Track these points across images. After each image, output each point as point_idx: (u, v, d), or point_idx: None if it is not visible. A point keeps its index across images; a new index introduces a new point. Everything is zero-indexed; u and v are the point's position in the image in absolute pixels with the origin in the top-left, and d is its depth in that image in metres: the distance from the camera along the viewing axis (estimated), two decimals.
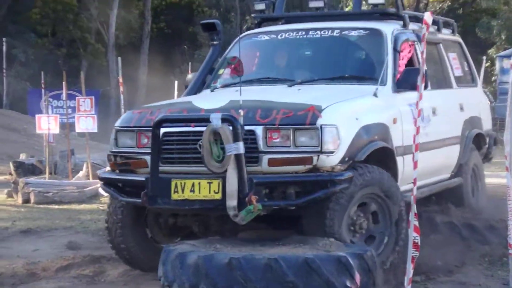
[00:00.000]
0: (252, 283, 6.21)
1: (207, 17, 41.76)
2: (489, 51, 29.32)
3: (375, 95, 7.46)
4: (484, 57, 21.41)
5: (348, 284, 6.33)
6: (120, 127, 7.55)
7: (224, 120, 6.42)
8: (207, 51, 9.50)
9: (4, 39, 31.16)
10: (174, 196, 6.74)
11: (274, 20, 9.56)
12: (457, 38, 10.49)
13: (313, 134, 6.49)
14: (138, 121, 7.38)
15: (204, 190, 6.60)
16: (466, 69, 10.48)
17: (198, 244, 6.88)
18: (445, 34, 9.95)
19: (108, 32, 41.95)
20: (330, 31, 8.54)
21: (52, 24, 38.66)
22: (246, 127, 6.53)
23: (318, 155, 6.47)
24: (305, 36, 8.70)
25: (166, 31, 45.94)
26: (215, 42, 8.99)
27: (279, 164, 6.55)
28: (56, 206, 14.72)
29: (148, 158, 6.97)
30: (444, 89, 9.30)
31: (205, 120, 6.61)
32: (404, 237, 7.10)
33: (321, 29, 8.64)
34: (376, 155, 7.21)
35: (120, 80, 16.65)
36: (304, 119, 6.54)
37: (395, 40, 8.20)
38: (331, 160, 6.53)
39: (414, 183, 6.38)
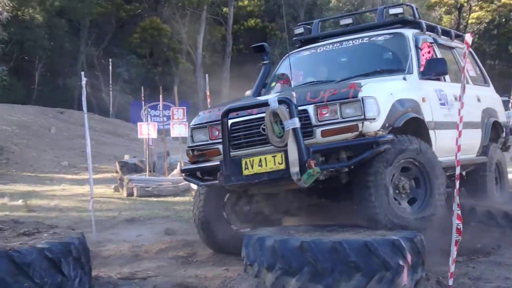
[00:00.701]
0: (320, 263, 6.21)
1: (278, 39, 41.78)
2: None
3: (404, 79, 7.64)
4: None
5: (401, 263, 6.31)
6: (194, 125, 7.73)
7: (280, 102, 6.60)
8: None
9: (110, 60, 31.60)
10: (245, 172, 6.87)
11: (312, 41, 9.50)
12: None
13: (356, 106, 6.60)
14: (208, 118, 7.57)
15: (270, 163, 6.72)
16: (478, 72, 10.46)
17: (274, 230, 6.97)
18: (457, 43, 9.91)
19: (196, 53, 42.31)
20: (360, 39, 8.69)
21: (150, 47, 39.06)
22: (300, 107, 6.66)
23: (363, 122, 6.57)
24: (339, 46, 8.84)
25: (244, 51, 46.07)
26: (265, 62, 9.07)
27: (331, 134, 6.64)
28: (155, 199, 14.98)
29: (220, 147, 7.12)
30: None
31: (264, 105, 6.81)
32: (440, 206, 7.30)
33: (352, 39, 8.78)
34: (412, 126, 7.31)
35: (207, 93, 16.78)
36: (347, 94, 6.66)
37: (416, 39, 8.28)
38: (374, 126, 6.63)
39: (457, 178, 6.32)
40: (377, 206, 6.78)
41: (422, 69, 8.00)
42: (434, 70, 7.89)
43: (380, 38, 8.56)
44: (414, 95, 7.49)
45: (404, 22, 8.81)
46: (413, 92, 7.53)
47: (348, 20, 9.32)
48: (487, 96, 9.97)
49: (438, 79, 8.34)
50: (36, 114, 25.45)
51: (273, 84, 8.98)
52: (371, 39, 8.62)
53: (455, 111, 7.63)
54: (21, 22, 31.67)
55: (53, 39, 34.85)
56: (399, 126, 6.97)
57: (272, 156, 6.71)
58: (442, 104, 8.13)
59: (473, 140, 9.02)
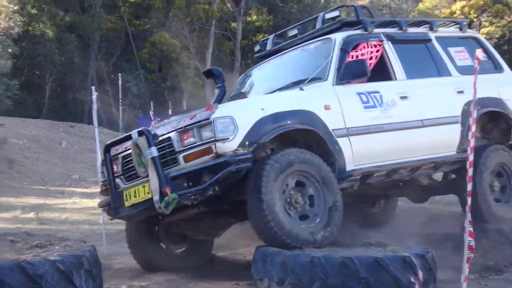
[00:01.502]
0: (330, 278, 6.23)
1: None
2: None
3: (300, 89, 7.44)
4: None
5: (412, 280, 6.31)
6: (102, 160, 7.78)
7: (140, 133, 6.61)
8: None
9: (119, 74, 31.68)
10: (126, 204, 6.94)
11: (265, 56, 9.47)
12: (470, 34, 9.83)
13: (210, 127, 6.44)
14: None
15: (141, 193, 6.70)
16: (485, 59, 9.13)
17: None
18: (446, 32, 9.41)
19: (205, 68, 42.33)
20: (295, 50, 8.64)
21: (159, 62, 39.13)
22: (165, 135, 6.72)
23: (215, 144, 6.40)
24: (280, 59, 8.86)
25: (252, 66, 46.00)
26: (218, 85, 9.12)
27: (192, 158, 6.51)
28: None
29: (117, 180, 7.26)
30: (433, 78, 8.76)
31: (129, 138, 6.85)
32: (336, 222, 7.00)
33: (290, 51, 8.75)
34: (305, 137, 7.14)
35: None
36: (202, 117, 6.54)
37: (345, 43, 7.91)
38: (229, 146, 6.44)
39: (469, 194, 6.29)
40: (270, 221, 6.53)
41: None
42: (351, 73, 7.53)
43: (311, 46, 8.42)
44: (309, 105, 7.18)
45: (346, 24, 8.48)
46: (309, 102, 7.23)
47: (294, 31, 9.07)
48: (485, 85, 8.57)
49: (380, 79, 8.08)
50: (47, 128, 25.46)
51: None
52: (304, 48, 8.51)
53: (396, 111, 7.80)
54: (32, 37, 31.77)
55: (63, 54, 34.93)
56: (265, 142, 6.75)
57: (142, 186, 6.72)
58: (370, 106, 7.70)
59: (442, 137, 8.37)
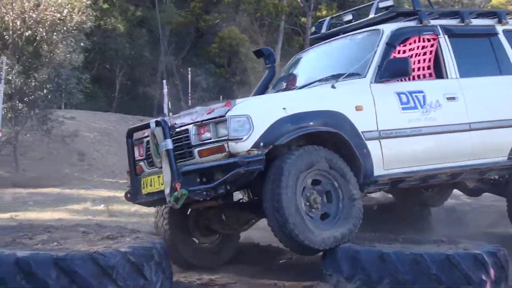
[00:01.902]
0: (401, 275, 6.18)
1: None
2: None
3: (332, 86, 6.86)
4: None
5: (484, 278, 6.24)
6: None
7: (157, 124, 6.35)
8: None
9: (189, 69, 31.92)
10: (143, 191, 6.77)
11: (320, 39, 8.87)
12: None
13: (225, 125, 6.12)
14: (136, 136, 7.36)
15: (156, 183, 6.51)
16: None
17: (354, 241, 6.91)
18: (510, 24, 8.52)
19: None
20: (343, 38, 8.17)
21: (228, 56, 39.39)
22: (183, 127, 6.44)
23: (227, 142, 6.07)
24: (329, 46, 8.35)
25: None
26: (268, 66, 8.74)
27: (206, 154, 6.21)
28: None
29: (141, 164, 7.14)
30: (492, 76, 8.02)
31: (148, 126, 6.61)
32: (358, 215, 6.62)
33: (340, 38, 8.26)
34: (333, 139, 6.60)
35: None
36: (219, 113, 6.20)
37: (393, 36, 7.34)
38: (242, 146, 6.06)
39: None
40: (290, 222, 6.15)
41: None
42: (390, 71, 7.02)
43: (359, 36, 7.91)
44: (338, 106, 6.71)
45: (401, 15, 7.94)
46: (338, 102, 6.77)
47: (349, 17, 8.57)
48: None
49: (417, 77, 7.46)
50: (117, 121, 25.94)
51: (276, 87, 8.59)
52: (352, 37, 8.03)
53: (440, 113, 7.27)
54: (104, 32, 32.35)
55: (134, 48, 35.50)
56: (282, 143, 6.28)
57: (158, 177, 6.50)
58: (410, 108, 7.14)
59: (493, 141, 7.77)
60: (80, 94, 22.40)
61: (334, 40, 8.26)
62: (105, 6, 26.67)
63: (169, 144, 6.13)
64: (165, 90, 9.75)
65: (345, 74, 7.03)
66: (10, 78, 18.98)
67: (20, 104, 20.01)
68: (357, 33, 7.95)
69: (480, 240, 7.40)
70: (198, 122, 6.31)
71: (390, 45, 7.22)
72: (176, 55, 40.25)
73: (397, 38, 7.34)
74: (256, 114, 6.19)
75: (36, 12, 20.72)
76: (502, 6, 34.78)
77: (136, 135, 7.14)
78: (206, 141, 6.24)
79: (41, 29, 20.82)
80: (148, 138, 6.76)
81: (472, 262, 6.25)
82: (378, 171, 6.83)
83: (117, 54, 34.30)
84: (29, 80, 20.04)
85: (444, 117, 7.28)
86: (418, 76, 7.44)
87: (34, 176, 18.69)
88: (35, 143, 21.73)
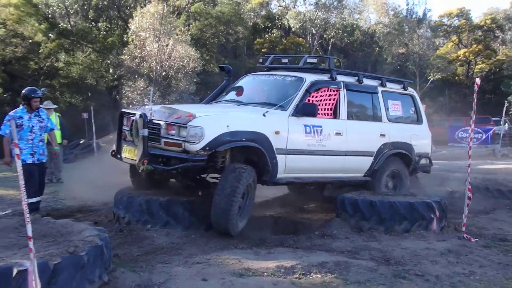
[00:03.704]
0: (382, 214, 6.24)
1: None
2: (508, 97, 26.90)
3: (263, 115, 6.09)
4: (506, 101, 20.00)
5: (432, 216, 6.25)
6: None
7: (140, 115, 5.80)
8: None
9: None
10: (123, 155, 6.19)
11: (264, 68, 7.85)
12: (409, 92, 8.11)
13: (185, 130, 5.60)
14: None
15: (131, 153, 5.99)
16: (412, 112, 8.08)
17: (356, 193, 6.90)
18: (392, 88, 7.81)
19: None
20: (279, 76, 7.14)
21: None
22: (158, 121, 5.85)
23: (184, 143, 5.58)
24: (268, 77, 7.31)
25: None
26: (226, 78, 7.77)
27: (169, 145, 5.71)
28: None
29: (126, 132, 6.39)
30: (367, 121, 7.36)
31: (133, 115, 6.05)
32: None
33: (276, 75, 7.23)
34: (252, 151, 6.00)
35: None
36: (183, 121, 5.66)
37: (311, 85, 6.64)
38: (194, 147, 5.54)
39: (469, 166, 6.10)
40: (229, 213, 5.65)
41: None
42: (304, 111, 6.34)
43: (289, 78, 6.98)
44: (264, 129, 6.03)
45: (321, 69, 7.16)
46: (264, 126, 6.05)
47: (285, 60, 7.62)
48: (402, 134, 7.68)
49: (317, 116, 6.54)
50: None
51: (228, 94, 7.50)
52: (284, 78, 7.05)
53: (329, 142, 6.62)
54: (206, 72, 32.81)
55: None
56: (220, 151, 5.77)
57: (134, 150, 5.93)
58: (310, 136, 6.45)
59: (357, 164, 7.15)
60: None
61: (273, 74, 7.30)
62: (207, 57, 26.76)
63: (145, 132, 5.70)
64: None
65: (275, 106, 6.36)
66: (153, 99, 19.33)
67: None
68: (289, 75, 7.07)
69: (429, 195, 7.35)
70: (168, 122, 5.80)
71: (307, 91, 6.58)
72: None
73: (313, 87, 6.68)
74: (208, 127, 5.63)
75: (168, 61, 21.13)
76: (445, 55, 33.80)
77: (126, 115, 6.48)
78: (170, 136, 5.76)
79: (171, 71, 21.19)
80: (134, 117, 6.10)
81: (425, 207, 6.27)
82: (280, 175, 6.26)
83: (214, 85, 34.74)
84: (165, 101, 20.39)
85: (331, 145, 6.67)
86: (324, 114, 6.79)
87: None
88: None
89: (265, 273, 4.58)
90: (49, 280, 3.70)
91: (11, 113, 6.61)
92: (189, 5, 27.65)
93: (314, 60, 7.13)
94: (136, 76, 21.40)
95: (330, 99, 6.81)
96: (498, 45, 36.48)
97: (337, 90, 6.90)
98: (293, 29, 30.60)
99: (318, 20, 29.82)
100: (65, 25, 24.47)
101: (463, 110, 32.24)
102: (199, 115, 5.73)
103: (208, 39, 26.59)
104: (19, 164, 3.73)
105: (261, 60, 7.93)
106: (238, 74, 10.24)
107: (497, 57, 34.92)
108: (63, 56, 24.52)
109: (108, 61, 24.41)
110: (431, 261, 5.05)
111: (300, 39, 30.77)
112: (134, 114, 6.04)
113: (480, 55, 34.65)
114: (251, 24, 30.83)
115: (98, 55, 24.85)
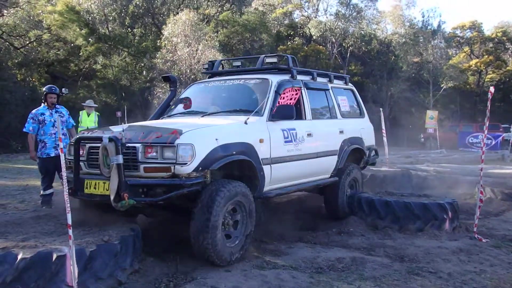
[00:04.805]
0: (397, 213, 6.12)
1: None
2: None
3: (245, 123, 5.08)
4: None
5: (445, 216, 6.09)
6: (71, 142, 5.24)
7: (110, 140, 4.38)
8: None
9: None
10: (86, 191, 4.61)
11: (212, 75, 6.75)
12: (350, 87, 7.42)
13: (172, 150, 4.36)
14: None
15: (101, 188, 4.51)
16: (355, 106, 7.42)
17: (373, 194, 6.81)
18: (337, 84, 7.07)
19: None
20: (239, 80, 6.12)
21: None
22: (131, 144, 4.48)
23: (174, 166, 4.34)
24: (224, 83, 6.21)
25: None
26: (172, 89, 6.53)
27: (151, 171, 4.40)
28: None
29: (81, 164, 4.83)
30: (327, 119, 6.58)
31: (100, 140, 4.52)
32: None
33: (234, 79, 6.18)
34: (240, 164, 4.95)
35: None
36: (167, 139, 4.41)
37: (278, 86, 5.69)
38: (186, 169, 4.36)
39: (481, 171, 5.91)
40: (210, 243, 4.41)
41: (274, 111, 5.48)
42: (282, 114, 5.40)
43: (252, 81, 6.01)
44: (249, 138, 5.02)
45: (280, 69, 6.13)
46: (249, 136, 5.05)
47: (238, 63, 6.77)
48: (354, 129, 7.02)
49: (296, 119, 5.66)
50: None
51: (178, 107, 6.29)
52: (246, 81, 6.06)
53: (303, 145, 5.75)
54: None
55: None
56: (215, 169, 4.59)
57: (103, 183, 4.49)
58: (288, 141, 5.53)
59: (325, 165, 6.37)
60: None
61: (229, 79, 6.24)
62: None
63: (120, 159, 4.27)
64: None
65: (252, 112, 5.30)
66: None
67: None
68: (250, 78, 6.07)
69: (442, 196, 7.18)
70: (147, 143, 4.47)
71: (277, 93, 5.63)
72: None
73: (281, 87, 5.72)
74: (198, 143, 4.49)
75: (197, 65, 21.20)
76: (458, 64, 33.24)
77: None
78: (152, 160, 4.43)
79: (200, 74, 21.27)
80: (91, 144, 4.78)
81: (438, 207, 6.11)
82: (266, 187, 5.27)
83: None
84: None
85: (306, 148, 5.82)
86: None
87: None
88: None
89: (285, 266, 4.53)
90: (85, 266, 3.73)
91: (34, 111, 6.66)
92: (217, 14, 27.73)
93: (274, 60, 6.14)
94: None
95: (294, 99, 5.91)
96: (508, 56, 35.73)
97: (299, 90, 6.03)
98: (314, 37, 30.36)
99: (338, 30, 29.54)
100: (103, 31, 24.73)
101: (473, 117, 31.72)
102: (185, 130, 4.56)
103: (234, 45, 26.58)
104: (62, 157, 3.78)
105: (206, 67, 6.75)
106: None
107: (507, 68, 34.24)
108: (101, 59, 24.82)
109: (142, 64, 24.61)
110: (444, 259, 4.93)
111: (321, 46, 30.54)
112: (100, 138, 4.57)
113: (490, 65, 33.99)
114: (275, 32, 30.69)
115: (133, 58, 25.07)
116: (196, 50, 21.39)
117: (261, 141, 5.14)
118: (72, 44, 24.37)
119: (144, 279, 4.09)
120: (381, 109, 12.14)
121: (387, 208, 6.16)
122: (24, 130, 6.61)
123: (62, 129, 6.57)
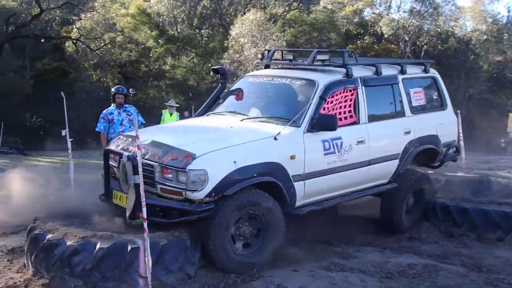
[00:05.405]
0: (474, 221, 5.90)
1: None
2: None
3: (275, 138, 4.71)
4: None
5: None
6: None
7: (128, 159, 4.41)
8: None
9: None
10: (113, 200, 4.80)
11: (266, 66, 6.35)
12: (431, 74, 6.56)
13: (184, 176, 4.26)
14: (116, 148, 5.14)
15: (124, 201, 4.60)
16: (435, 97, 6.59)
17: (449, 200, 6.50)
18: (412, 73, 6.29)
19: None
20: (285, 79, 5.63)
21: None
22: (150, 162, 4.49)
23: (185, 192, 4.27)
24: (271, 81, 5.73)
25: None
26: (222, 81, 6.19)
27: (167, 192, 4.39)
28: None
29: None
30: (390, 120, 5.87)
31: (121, 155, 4.69)
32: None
33: (280, 77, 5.69)
34: (265, 184, 4.63)
35: None
36: (180, 163, 4.30)
37: (325, 89, 5.18)
38: (197, 195, 4.26)
39: None
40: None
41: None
42: (321, 126, 4.95)
43: (297, 82, 5.51)
44: (277, 157, 4.69)
45: (334, 65, 5.56)
46: (277, 153, 4.70)
47: (290, 56, 6.12)
48: (427, 126, 6.24)
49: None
50: None
51: (228, 99, 6.00)
52: (292, 81, 5.57)
53: (350, 155, 5.26)
54: None
55: None
56: (228, 195, 4.38)
57: (125, 197, 4.59)
58: (330, 153, 5.06)
59: (382, 170, 5.74)
60: None
61: (275, 77, 5.79)
62: None
63: (137, 179, 4.18)
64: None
65: (288, 123, 4.92)
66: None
67: None
68: (297, 78, 5.59)
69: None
70: (163, 164, 4.44)
71: (322, 98, 5.15)
72: None
73: (329, 91, 5.23)
74: (212, 168, 4.32)
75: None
76: None
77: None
78: (167, 181, 4.44)
79: None
80: (122, 159, 4.76)
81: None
82: (299, 202, 4.97)
83: None
84: None
85: (353, 158, 5.33)
86: (342, 121, 5.32)
87: None
88: None
89: (353, 269, 4.53)
90: (157, 258, 3.96)
91: (104, 111, 7.20)
92: (285, 13, 27.83)
93: (326, 57, 5.59)
94: (234, 79, 21.92)
95: (346, 102, 5.44)
96: None
97: (354, 90, 5.50)
98: (386, 35, 29.69)
99: (412, 27, 28.70)
100: (172, 32, 25.65)
101: None
102: (200, 153, 4.40)
103: (302, 45, 26.55)
104: (139, 153, 4.02)
105: (260, 57, 6.42)
106: None
107: None
108: (170, 60, 25.77)
109: (209, 65, 25.23)
110: None
111: (392, 45, 29.77)
112: (121, 153, 4.71)
113: None
114: (344, 30, 30.32)
115: (200, 59, 25.77)
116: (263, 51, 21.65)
117: (292, 157, 4.81)
118: (143, 46, 25.51)
119: (212, 274, 4.27)
120: (458, 111, 11.65)
121: (463, 215, 5.96)
122: (96, 129, 7.19)
123: (130, 126, 7.04)
